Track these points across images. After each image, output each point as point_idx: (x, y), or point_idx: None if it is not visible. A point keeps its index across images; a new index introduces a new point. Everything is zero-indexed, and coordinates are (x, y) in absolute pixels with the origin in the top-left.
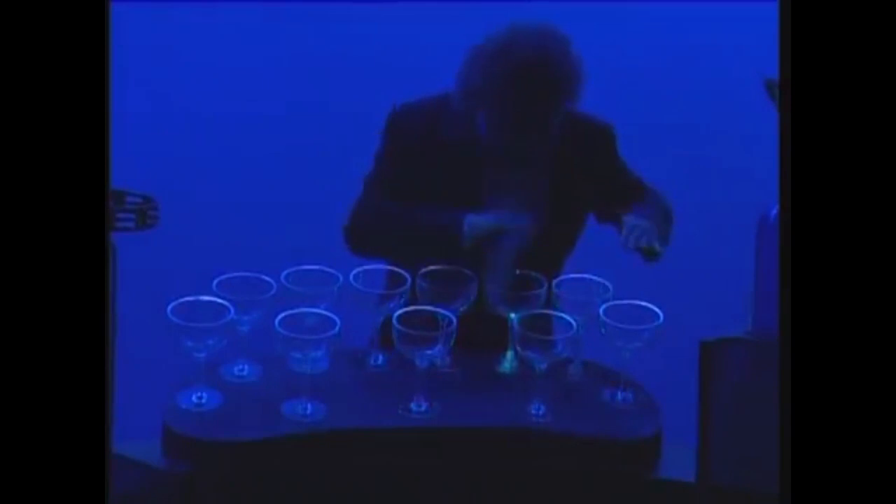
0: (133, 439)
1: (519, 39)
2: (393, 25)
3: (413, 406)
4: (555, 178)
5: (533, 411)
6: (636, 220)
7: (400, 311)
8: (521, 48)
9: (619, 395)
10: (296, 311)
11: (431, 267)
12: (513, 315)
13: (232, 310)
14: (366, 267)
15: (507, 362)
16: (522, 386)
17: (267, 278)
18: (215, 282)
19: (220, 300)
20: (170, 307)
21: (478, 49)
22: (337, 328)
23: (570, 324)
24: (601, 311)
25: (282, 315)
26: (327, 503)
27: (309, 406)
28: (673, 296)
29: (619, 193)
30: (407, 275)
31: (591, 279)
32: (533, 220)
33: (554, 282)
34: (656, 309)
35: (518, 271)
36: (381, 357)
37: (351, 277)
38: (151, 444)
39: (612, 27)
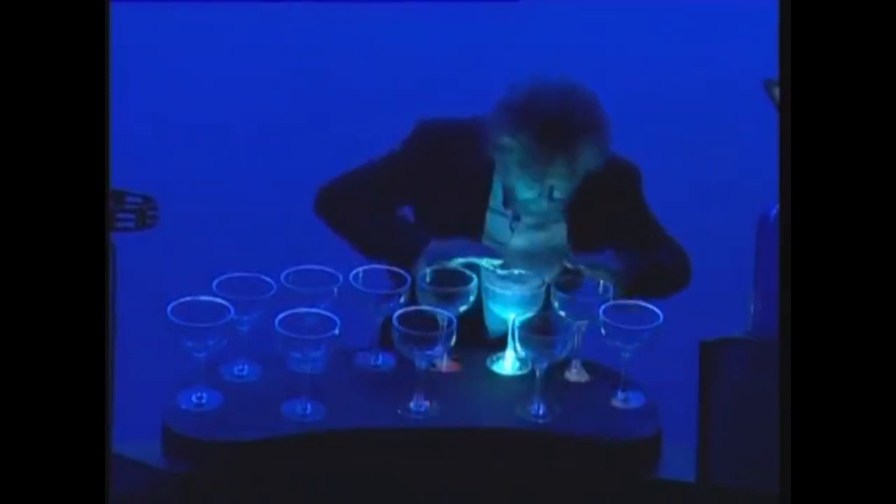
0: (133, 439)
1: (541, 96)
2: (394, 26)
3: (413, 406)
4: (574, 221)
5: (533, 411)
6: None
7: (400, 312)
8: (543, 106)
9: (619, 396)
10: (296, 311)
11: (431, 267)
12: (513, 315)
13: (232, 310)
14: (366, 267)
15: (507, 362)
16: (522, 386)
17: (267, 278)
18: (215, 282)
19: (220, 300)
20: (170, 307)
21: (503, 97)
22: (337, 328)
23: (569, 324)
24: (601, 311)
25: (282, 315)
26: (327, 503)
27: (309, 406)
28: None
29: (638, 240)
30: (407, 275)
31: (591, 280)
32: (549, 265)
33: (554, 282)
34: (656, 309)
35: (517, 271)
36: (381, 357)
37: (351, 277)
38: (151, 445)
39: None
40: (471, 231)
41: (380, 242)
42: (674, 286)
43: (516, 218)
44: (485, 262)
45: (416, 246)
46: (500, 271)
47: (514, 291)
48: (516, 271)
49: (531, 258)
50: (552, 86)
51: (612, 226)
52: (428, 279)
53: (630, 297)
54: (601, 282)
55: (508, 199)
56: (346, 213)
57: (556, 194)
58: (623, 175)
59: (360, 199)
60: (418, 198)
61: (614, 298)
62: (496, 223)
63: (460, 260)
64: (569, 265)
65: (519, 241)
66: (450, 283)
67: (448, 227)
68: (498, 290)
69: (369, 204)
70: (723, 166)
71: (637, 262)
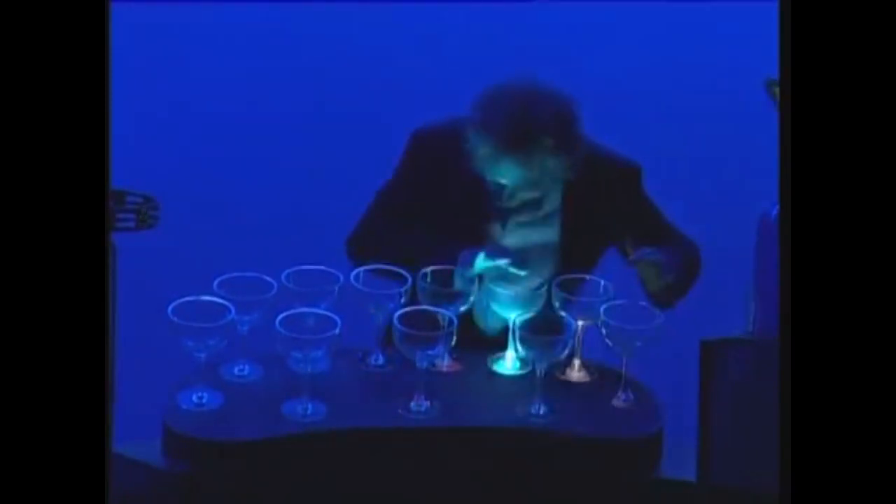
0: (133, 439)
1: (505, 100)
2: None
3: (413, 406)
4: (568, 220)
5: (533, 411)
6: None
7: (400, 311)
8: (504, 110)
9: (620, 395)
10: (296, 311)
11: (432, 267)
12: (513, 315)
13: (232, 310)
14: (366, 267)
15: (508, 361)
16: (522, 386)
17: (267, 278)
18: (216, 282)
19: (220, 300)
20: (170, 307)
21: (479, 95)
22: (337, 328)
23: (570, 324)
24: (601, 311)
25: (282, 315)
26: (327, 503)
27: (309, 406)
28: None
29: (644, 237)
30: (407, 275)
31: (591, 279)
32: (543, 263)
33: (554, 282)
34: (656, 309)
35: (522, 272)
36: (381, 357)
37: (351, 277)
38: (152, 444)
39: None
40: (475, 233)
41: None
42: (696, 279)
43: (505, 215)
44: (502, 263)
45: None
46: (511, 269)
47: (514, 291)
48: (522, 272)
49: (524, 257)
50: (518, 85)
51: (616, 224)
52: (428, 279)
53: (667, 299)
54: (601, 282)
55: (495, 196)
56: (377, 253)
57: (519, 194)
58: (623, 174)
59: (383, 233)
60: (426, 207)
61: (655, 301)
62: (493, 225)
63: (484, 265)
64: (630, 257)
65: (511, 239)
66: (450, 284)
67: (455, 231)
68: (499, 290)
69: (392, 234)
70: (723, 166)
71: (673, 256)
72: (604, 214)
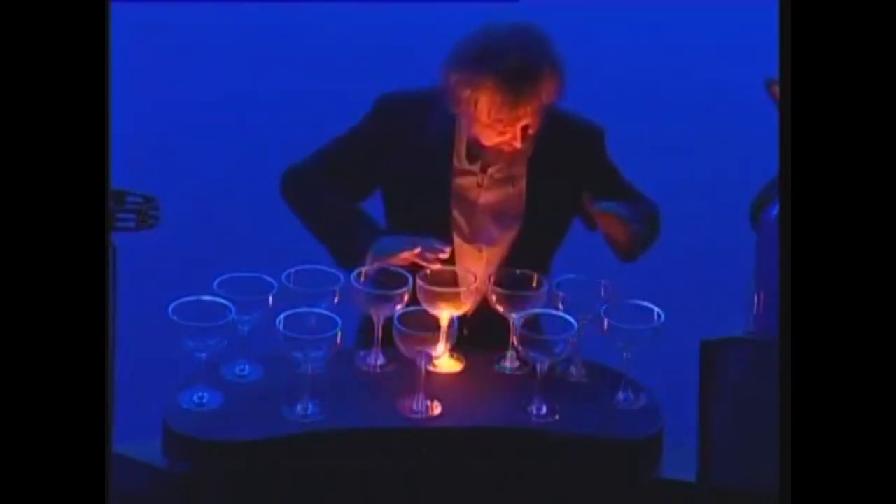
0: (133, 439)
1: (497, 43)
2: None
3: (414, 406)
4: (531, 180)
5: (533, 411)
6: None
7: (400, 311)
8: (500, 53)
9: (620, 395)
10: (297, 311)
11: (432, 267)
12: (514, 315)
13: (233, 310)
14: (367, 267)
15: (507, 361)
16: (522, 386)
17: (268, 278)
18: (216, 282)
19: (221, 300)
20: (171, 307)
21: (456, 50)
22: (337, 328)
23: (570, 324)
24: (601, 311)
25: (283, 315)
26: (327, 503)
27: (309, 406)
28: (673, 296)
29: (606, 196)
30: (408, 275)
31: (591, 279)
32: (508, 225)
33: (554, 282)
34: (656, 309)
35: (518, 271)
36: (381, 357)
37: (352, 277)
38: (152, 444)
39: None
40: (438, 196)
41: (329, 232)
42: (657, 234)
43: (483, 170)
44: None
45: (367, 244)
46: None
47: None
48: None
49: (501, 215)
50: (503, 29)
51: (578, 185)
52: (428, 279)
53: (632, 249)
54: (602, 282)
55: (475, 152)
56: (306, 195)
57: (530, 131)
58: (586, 134)
59: (325, 178)
60: (383, 171)
61: (620, 253)
62: (463, 183)
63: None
64: (592, 209)
65: (488, 196)
66: (450, 284)
67: (416, 196)
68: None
69: (334, 183)
70: (723, 166)
71: (633, 209)
72: (568, 175)
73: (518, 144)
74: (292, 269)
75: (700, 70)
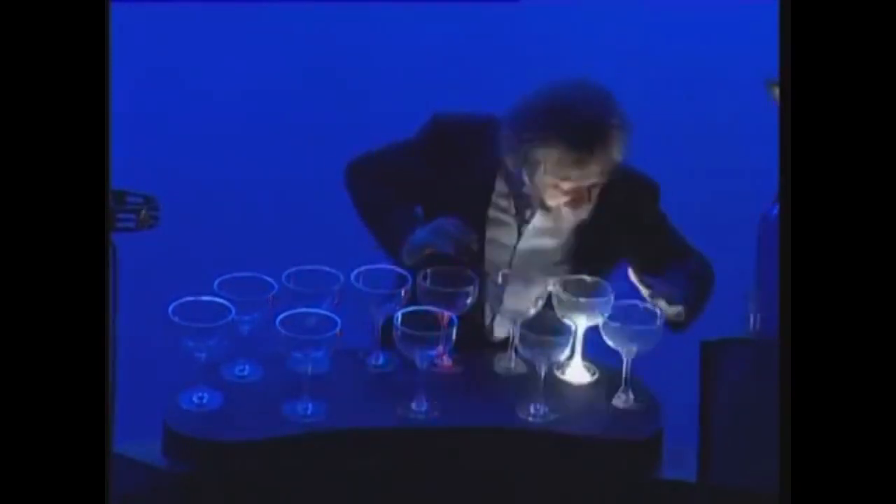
0: (134, 439)
1: (566, 101)
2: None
3: (413, 406)
4: (579, 237)
5: (533, 411)
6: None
7: (401, 311)
8: (571, 111)
9: (620, 395)
10: (297, 311)
11: (433, 267)
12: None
13: (233, 310)
14: (367, 267)
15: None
16: (522, 386)
17: (268, 278)
18: (216, 282)
19: (221, 300)
20: (171, 307)
21: (522, 108)
22: (338, 328)
23: (570, 324)
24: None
25: (283, 315)
26: (327, 503)
27: (309, 406)
28: None
29: (656, 253)
30: (408, 275)
31: (590, 279)
32: (549, 271)
33: (554, 282)
34: (657, 309)
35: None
36: (381, 357)
37: (352, 277)
38: (152, 445)
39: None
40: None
41: (376, 225)
42: (708, 296)
43: (525, 221)
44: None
45: (405, 240)
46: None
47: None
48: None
49: (532, 263)
50: (574, 88)
51: (630, 240)
52: (429, 279)
53: (681, 323)
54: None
55: (528, 205)
56: (360, 189)
57: (595, 191)
58: (639, 190)
59: (378, 179)
60: (424, 193)
61: (671, 326)
62: (499, 229)
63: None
64: (643, 291)
65: (525, 244)
66: (450, 284)
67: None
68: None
69: (387, 187)
70: (723, 166)
71: (685, 284)
72: (619, 229)
73: (584, 204)
74: (292, 269)
75: (700, 70)
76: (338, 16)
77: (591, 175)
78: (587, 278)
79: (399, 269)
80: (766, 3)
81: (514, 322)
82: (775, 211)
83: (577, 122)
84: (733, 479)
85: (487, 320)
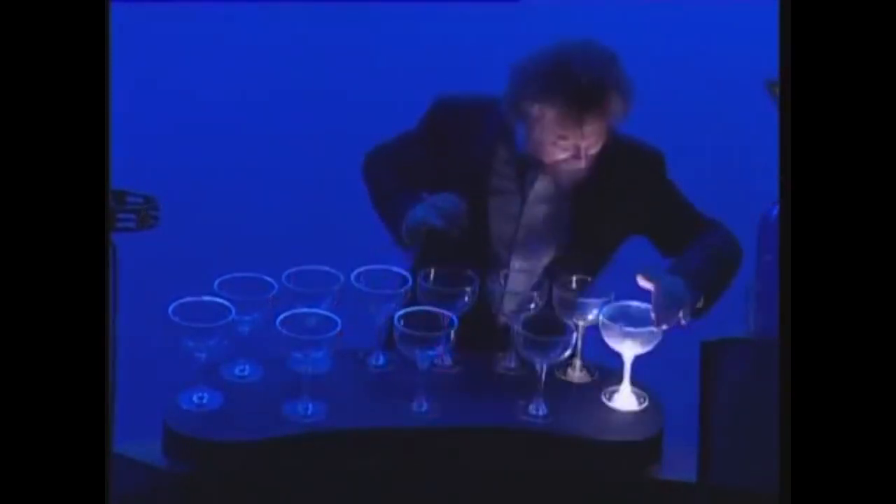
0: (134, 439)
1: (568, 60)
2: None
3: (414, 406)
4: (580, 201)
5: (533, 411)
6: (667, 288)
7: (401, 312)
8: (572, 70)
9: (620, 396)
10: (297, 311)
11: (433, 267)
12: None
13: (233, 310)
14: (367, 267)
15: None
16: (522, 386)
17: (268, 278)
18: (216, 282)
19: (221, 300)
20: (171, 307)
21: (526, 65)
22: (338, 329)
23: (570, 324)
24: (602, 311)
25: (283, 315)
26: (327, 503)
27: (310, 406)
28: None
29: (668, 225)
30: (408, 275)
31: (589, 279)
32: (555, 244)
33: (554, 283)
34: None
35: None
36: (381, 357)
37: (352, 278)
38: (152, 445)
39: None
40: (478, 209)
41: (385, 214)
42: (735, 269)
43: (529, 184)
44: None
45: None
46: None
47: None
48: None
49: (544, 233)
50: (575, 47)
51: (637, 211)
52: (430, 279)
53: (700, 311)
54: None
55: (525, 168)
56: (373, 179)
57: (592, 151)
58: (645, 158)
59: (390, 168)
60: (431, 173)
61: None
62: (502, 198)
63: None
64: (643, 282)
65: (532, 212)
66: (450, 284)
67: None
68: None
69: (395, 174)
70: (723, 166)
71: (701, 264)
72: (620, 200)
73: (582, 164)
74: (292, 269)
75: (700, 70)
76: (338, 16)
77: (589, 134)
78: (587, 278)
79: (399, 270)
80: (766, 3)
81: (518, 309)
82: (775, 211)
83: (576, 81)
84: (733, 479)
85: (496, 302)
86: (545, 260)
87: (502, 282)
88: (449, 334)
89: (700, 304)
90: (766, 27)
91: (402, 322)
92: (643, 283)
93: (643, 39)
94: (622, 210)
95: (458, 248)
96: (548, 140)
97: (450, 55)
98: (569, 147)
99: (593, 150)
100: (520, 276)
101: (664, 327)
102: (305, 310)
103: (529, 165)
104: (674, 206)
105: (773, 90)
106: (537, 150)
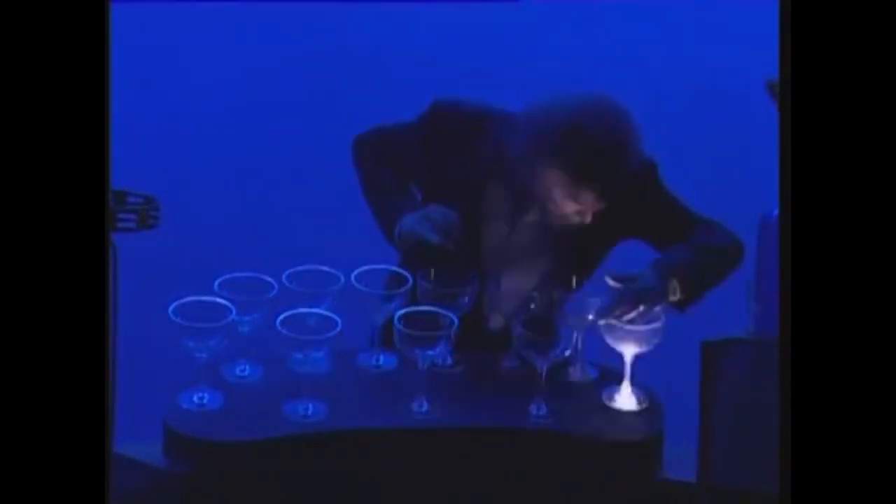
0: (134, 439)
1: (582, 118)
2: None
3: (414, 406)
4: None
5: (533, 411)
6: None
7: (401, 312)
8: (586, 128)
9: (620, 396)
10: (297, 311)
11: (433, 267)
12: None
13: (233, 310)
14: (367, 267)
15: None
16: (523, 386)
17: (268, 278)
18: (217, 282)
19: (221, 300)
20: (171, 308)
21: (534, 122)
22: (338, 329)
23: (569, 324)
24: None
25: (283, 315)
26: (327, 503)
27: (310, 406)
28: None
29: (663, 231)
30: (408, 275)
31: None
32: (546, 262)
33: (554, 283)
34: (657, 309)
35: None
36: (382, 357)
37: (352, 278)
38: (153, 445)
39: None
40: (468, 230)
41: (381, 210)
42: (727, 259)
43: (521, 211)
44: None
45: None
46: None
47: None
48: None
49: (532, 255)
50: (593, 110)
51: (635, 220)
52: (430, 279)
53: (689, 302)
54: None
55: (527, 199)
56: (369, 170)
57: (603, 203)
58: (638, 171)
59: (383, 157)
60: (424, 176)
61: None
62: (494, 220)
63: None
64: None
65: (521, 237)
66: (450, 284)
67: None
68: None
69: (389, 167)
70: (723, 167)
71: (682, 255)
72: (618, 216)
73: (588, 219)
74: (292, 269)
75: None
76: (338, 16)
77: (606, 196)
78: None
79: (399, 270)
80: (766, 4)
81: (513, 315)
82: (775, 212)
83: (595, 151)
84: (733, 479)
85: (486, 311)
86: (535, 277)
87: (490, 300)
88: (449, 334)
89: (677, 295)
90: (766, 27)
91: (402, 322)
92: (611, 283)
93: (643, 40)
94: (616, 224)
95: (449, 262)
96: (560, 196)
97: (450, 55)
98: (581, 203)
99: (601, 206)
100: (509, 294)
101: (625, 318)
102: (305, 310)
103: (524, 192)
104: (669, 214)
105: (773, 90)
106: (547, 207)
